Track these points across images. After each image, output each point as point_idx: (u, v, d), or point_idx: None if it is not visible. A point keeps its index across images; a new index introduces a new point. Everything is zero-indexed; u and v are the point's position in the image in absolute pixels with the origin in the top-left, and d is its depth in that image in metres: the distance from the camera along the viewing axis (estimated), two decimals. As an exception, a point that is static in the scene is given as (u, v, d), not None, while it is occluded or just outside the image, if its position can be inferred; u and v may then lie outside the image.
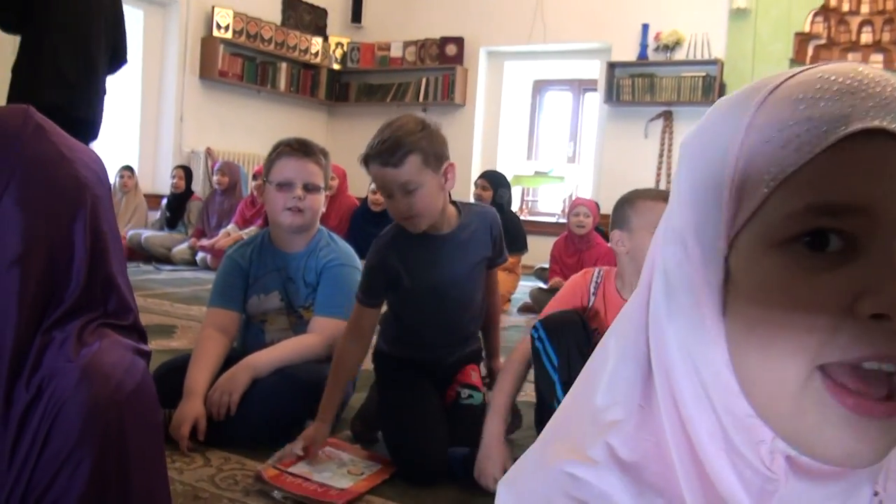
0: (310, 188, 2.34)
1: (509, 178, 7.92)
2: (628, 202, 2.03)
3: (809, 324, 0.45)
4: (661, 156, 7.31)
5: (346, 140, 8.67)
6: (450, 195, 2.04)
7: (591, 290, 2.18)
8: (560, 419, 0.62)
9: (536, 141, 8.82)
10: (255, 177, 6.12)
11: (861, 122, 0.45)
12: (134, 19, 7.25)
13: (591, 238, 4.97)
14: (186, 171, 6.90)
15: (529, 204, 8.62)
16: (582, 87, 8.39)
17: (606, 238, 5.16)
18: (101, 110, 4.20)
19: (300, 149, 2.36)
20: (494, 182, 5.73)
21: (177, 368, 2.25)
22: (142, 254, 6.40)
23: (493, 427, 1.91)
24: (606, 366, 0.58)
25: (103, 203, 1.18)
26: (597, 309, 2.13)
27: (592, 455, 0.55)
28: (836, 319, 0.45)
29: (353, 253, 2.49)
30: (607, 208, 6.87)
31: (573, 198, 7.75)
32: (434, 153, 1.89)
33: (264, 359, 2.21)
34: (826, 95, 0.47)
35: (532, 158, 8.69)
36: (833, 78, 0.48)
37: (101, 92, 4.17)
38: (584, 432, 0.57)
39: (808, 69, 0.50)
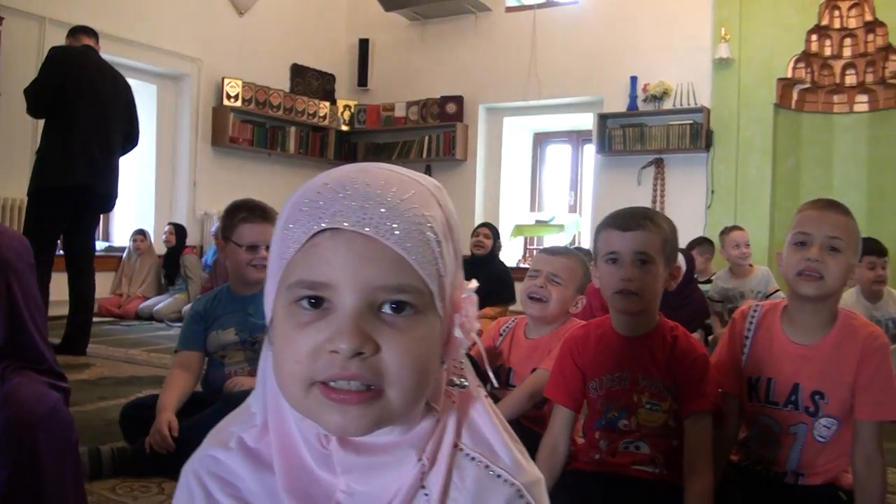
0: (269, 247, 2.66)
1: (510, 228, 8.25)
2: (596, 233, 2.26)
3: (302, 357, 0.71)
4: (654, 202, 7.54)
5: None
6: None
7: (501, 332, 2.51)
8: (225, 420, 0.89)
9: (539, 191, 9.12)
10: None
11: (326, 222, 0.71)
12: (148, 93, 7.72)
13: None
14: (178, 228, 7.34)
15: (534, 253, 8.87)
16: (580, 138, 8.69)
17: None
18: (117, 185, 4.83)
19: (261, 215, 2.71)
20: (495, 232, 6.02)
21: (143, 404, 2.61)
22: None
23: None
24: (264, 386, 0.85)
25: (23, 276, 1.52)
26: (501, 349, 2.47)
27: (230, 444, 0.83)
28: (316, 354, 0.71)
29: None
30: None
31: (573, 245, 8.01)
32: None
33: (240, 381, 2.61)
34: (312, 201, 0.74)
35: (535, 209, 8.98)
36: (323, 185, 0.74)
37: (117, 170, 4.77)
38: (231, 431, 0.84)
39: (323, 176, 0.77)
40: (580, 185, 8.73)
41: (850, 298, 4.52)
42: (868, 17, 7.01)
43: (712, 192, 7.30)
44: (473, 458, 0.79)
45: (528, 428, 2.20)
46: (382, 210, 0.72)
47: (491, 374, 0.88)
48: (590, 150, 8.40)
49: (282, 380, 0.74)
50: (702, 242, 6.05)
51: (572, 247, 6.39)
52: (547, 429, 1.98)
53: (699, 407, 1.82)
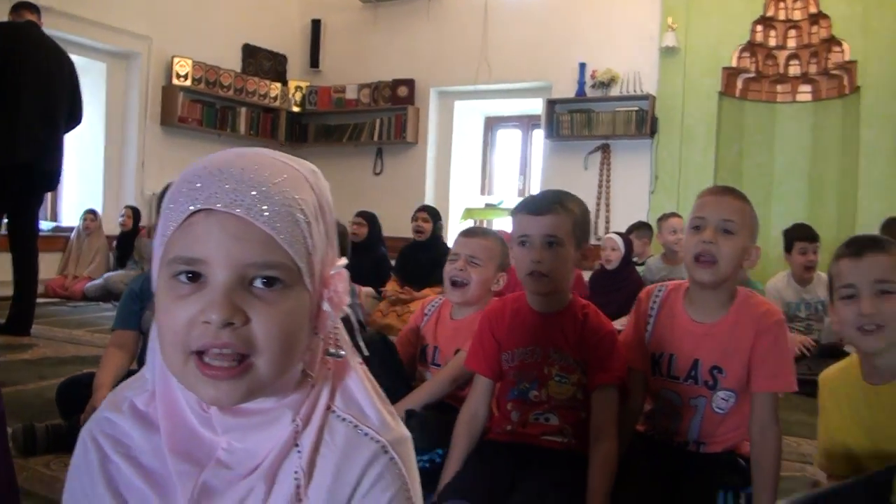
0: None
1: (461, 212, 8.33)
2: (512, 216, 2.28)
3: (179, 327, 0.79)
4: (600, 186, 7.67)
5: None
6: None
7: (426, 312, 2.59)
8: (122, 385, 0.97)
9: (490, 175, 9.20)
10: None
11: (201, 203, 0.79)
12: (97, 71, 7.66)
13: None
14: (134, 211, 7.33)
15: (484, 236, 8.95)
16: (530, 123, 8.78)
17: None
18: (62, 163, 4.79)
19: None
20: (435, 215, 6.08)
21: (79, 382, 2.66)
22: (110, 297, 6.76)
23: None
24: None
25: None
26: (426, 331, 2.59)
27: (122, 408, 0.91)
28: (191, 324, 0.79)
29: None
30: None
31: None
32: None
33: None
34: (191, 183, 0.81)
35: (486, 193, 9.06)
36: (202, 168, 0.82)
37: (62, 148, 4.73)
38: (125, 395, 0.93)
39: (205, 160, 0.84)
40: (529, 169, 8.83)
41: (780, 282, 4.68)
42: (812, 10, 7.17)
43: (656, 177, 7.44)
44: (344, 419, 0.88)
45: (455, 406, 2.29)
46: (254, 193, 0.80)
47: (362, 345, 0.96)
48: (539, 134, 8.48)
49: (164, 349, 0.83)
50: (640, 227, 6.20)
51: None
52: (467, 397, 2.08)
53: (605, 380, 1.93)
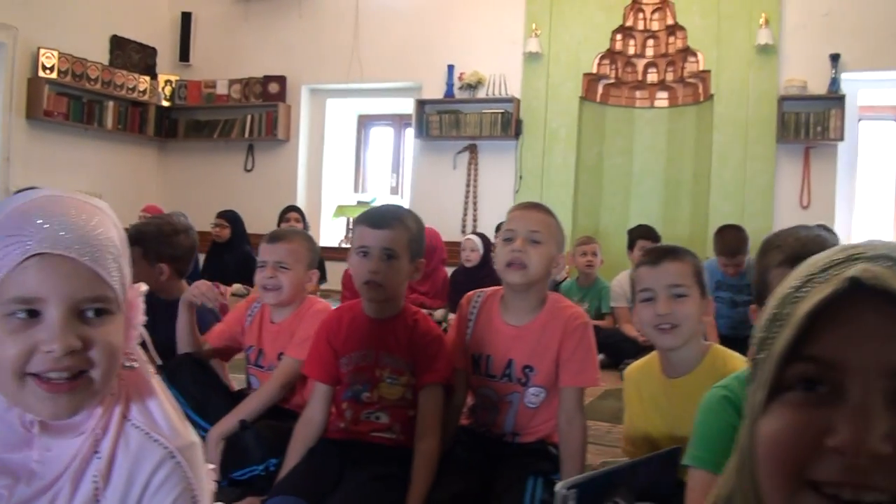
0: None
1: (333, 209, 8.43)
2: (353, 227, 2.47)
3: (14, 357, 0.91)
4: (467, 185, 7.91)
5: (177, 175, 9.18)
6: None
7: (249, 314, 2.69)
8: None
9: (363, 173, 9.32)
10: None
11: (34, 248, 0.92)
12: (-44, 61, 7.40)
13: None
14: None
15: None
16: (402, 122, 8.93)
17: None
18: None
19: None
20: (303, 215, 6.19)
21: None
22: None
23: None
24: None
25: None
26: (248, 333, 2.70)
27: None
28: (28, 354, 0.91)
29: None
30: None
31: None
32: None
33: None
34: (20, 229, 0.93)
35: (359, 190, 9.18)
36: (24, 214, 0.94)
37: None
38: None
39: (21, 205, 0.96)
40: (402, 167, 8.99)
41: (624, 279, 4.98)
42: (670, 21, 7.58)
43: (520, 177, 7.72)
44: (138, 427, 1.02)
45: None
46: (79, 235, 0.94)
47: (155, 356, 1.10)
48: (411, 133, 8.66)
49: None
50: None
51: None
52: (307, 402, 2.22)
53: (431, 380, 2.11)
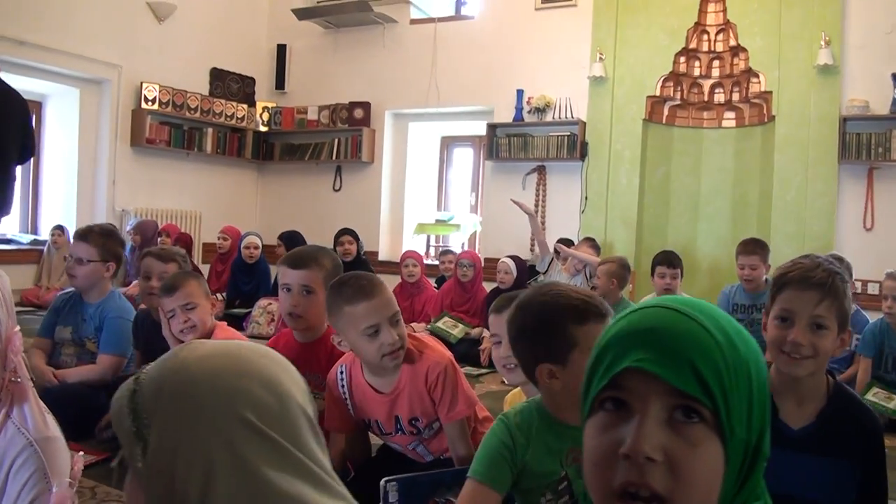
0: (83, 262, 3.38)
1: (413, 227, 8.92)
2: (279, 266, 2.78)
3: None
4: (536, 205, 8.22)
5: (275, 192, 10.00)
6: None
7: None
8: None
9: (445, 192, 9.79)
10: (160, 234, 7.09)
11: None
12: (71, 97, 8.29)
13: (421, 284, 5.84)
14: (63, 230, 7.93)
15: (438, 250, 9.53)
16: (481, 143, 9.33)
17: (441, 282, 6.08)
18: (12, 193, 5.31)
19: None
20: (356, 236, 6.65)
21: None
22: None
23: None
24: None
25: None
26: None
27: None
28: None
29: (131, 308, 3.49)
30: (491, 253, 7.90)
31: (464, 246, 8.72)
32: None
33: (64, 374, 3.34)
34: None
35: (442, 208, 9.64)
36: None
37: (12, 179, 5.27)
38: None
39: None
40: (480, 187, 9.39)
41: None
42: (733, 42, 7.71)
43: (586, 198, 7.99)
44: (14, 424, 1.45)
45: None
46: None
47: (33, 376, 1.55)
48: (487, 155, 9.08)
49: None
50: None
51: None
52: None
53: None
